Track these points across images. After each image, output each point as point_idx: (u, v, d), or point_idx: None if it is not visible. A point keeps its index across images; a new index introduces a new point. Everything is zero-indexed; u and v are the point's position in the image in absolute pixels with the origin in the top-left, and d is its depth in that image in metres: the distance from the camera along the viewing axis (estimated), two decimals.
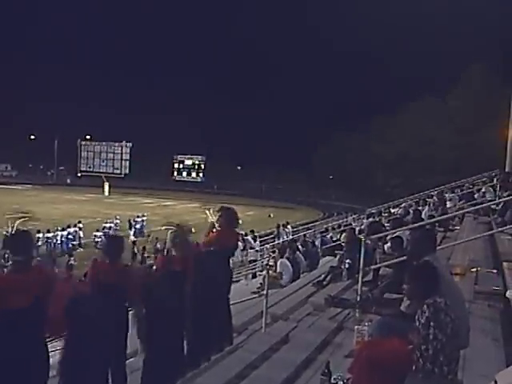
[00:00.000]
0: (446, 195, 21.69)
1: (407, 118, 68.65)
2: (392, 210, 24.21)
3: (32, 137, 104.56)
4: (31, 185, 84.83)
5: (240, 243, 23.93)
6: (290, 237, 26.77)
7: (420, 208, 18.39)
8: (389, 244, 9.50)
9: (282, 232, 30.69)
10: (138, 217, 39.72)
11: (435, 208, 17.72)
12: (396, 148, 68.05)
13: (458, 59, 69.28)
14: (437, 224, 13.07)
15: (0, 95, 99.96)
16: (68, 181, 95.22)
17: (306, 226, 35.10)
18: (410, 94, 70.74)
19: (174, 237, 6.42)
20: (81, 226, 34.13)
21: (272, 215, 52.98)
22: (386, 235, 9.60)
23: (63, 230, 32.20)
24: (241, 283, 16.09)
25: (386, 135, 70.53)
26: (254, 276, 19.05)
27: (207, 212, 7.37)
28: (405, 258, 6.56)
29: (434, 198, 21.21)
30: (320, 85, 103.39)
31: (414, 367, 3.79)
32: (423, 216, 14.95)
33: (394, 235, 8.70)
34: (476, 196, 19.56)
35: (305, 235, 22.90)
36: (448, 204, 18.88)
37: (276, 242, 24.77)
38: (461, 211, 15.23)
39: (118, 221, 37.62)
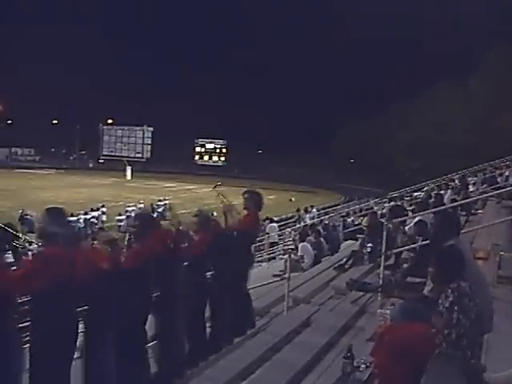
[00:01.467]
0: (469, 179, 21.49)
1: (427, 102, 67.90)
2: (414, 194, 24.05)
3: (54, 121, 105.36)
4: (54, 169, 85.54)
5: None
6: (313, 220, 26.76)
7: (442, 192, 18.25)
8: (410, 227, 9.47)
9: (305, 216, 30.66)
10: (160, 201, 39.90)
11: (457, 192, 17.57)
12: (416, 132, 67.45)
13: (479, 43, 68.33)
14: (459, 208, 12.96)
15: (23, 81, 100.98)
16: (90, 165, 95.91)
17: (327, 210, 35.05)
18: (430, 78, 70.14)
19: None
20: (104, 209, 34.37)
21: (293, 199, 52.95)
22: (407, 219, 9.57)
23: (86, 213, 32.40)
24: (263, 266, 16.11)
25: (405, 119, 69.89)
26: (273, 258, 19.09)
27: (220, 195, 7.33)
28: (428, 241, 6.54)
29: (456, 181, 21.03)
30: (341, 69, 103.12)
31: (436, 351, 3.79)
32: (445, 200, 14.84)
33: (418, 219, 8.66)
34: (499, 180, 19.34)
35: (326, 219, 22.84)
36: (470, 188, 18.71)
37: (297, 226, 24.76)
38: (483, 195, 15.08)
39: (141, 205, 37.78)
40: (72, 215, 30.79)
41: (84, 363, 4.84)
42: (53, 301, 4.34)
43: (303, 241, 13.20)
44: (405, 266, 8.35)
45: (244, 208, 7.11)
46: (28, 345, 4.45)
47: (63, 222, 4.80)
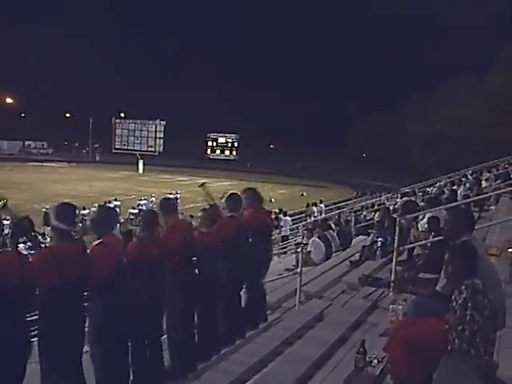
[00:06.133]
0: (482, 175, 21.40)
1: (443, 96, 67.34)
2: (426, 190, 24.00)
3: (67, 115, 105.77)
4: (67, 162, 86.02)
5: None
6: (323, 215, 26.78)
7: (455, 187, 18.19)
8: (422, 222, 9.46)
9: (314, 210, 30.76)
10: (171, 194, 40.05)
11: (470, 188, 17.51)
12: (430, 127, 67.05)
13: (496, 36, 67.75)
14: (472, 204, 12.93)
15: (35, 74, 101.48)
16: (97, 158, 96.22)
17: (339, 205, 35.05)
18: (446, 71, 69.68)
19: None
20: (116, 203, 34.51)
21: (305, 194, 52.99)
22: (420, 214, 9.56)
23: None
24: (274, 260, 16.12)
25: (420, 115, 69.39)
26: (285, 253, 19.10)
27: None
28: (441, 237, 6.53)
29: (469, 177, 20.94)
30: (356, 62, 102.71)
31: (449, 347, 3.80)
32: (458, 196, 14.81)
33: (430, 215, 8.65)
34: None
35: (338, 214, 22.87)
36: (483, 184, 18.63)
37: (308, 221, 24.80)
38: (497, 191, 15.01)
39: (153, 198, 37.98)
40: (84, 208, 30.99)
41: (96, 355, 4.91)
42: (62, 297, 4.37)
43: (314, 235, 13.22)
44: (417, 261, 8.35)
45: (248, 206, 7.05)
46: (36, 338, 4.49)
47: (73, 218, 4.76)
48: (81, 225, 28.17)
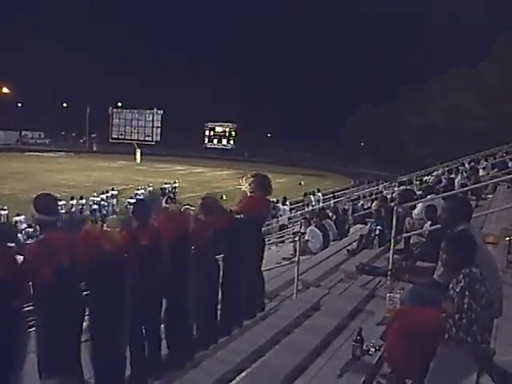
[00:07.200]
0: (479, 164, 21.40)
1: (438, 88, 67.31)
2: (424, 179, 24.00)
3: (64, 105, 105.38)
4: (64, 152, 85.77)
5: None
6: (321, 204, 26.79)
7: (452, 176, 18.19)
8: (415, 211, 9.46)
9: (312, 199, 30.77)
10: (166, 183, 40.05)
11: (468, 176, 17.50)
12: (426, 118, 67.02)
13: (490, 28, 67.59)
14: (469, 192, 12.92)
15: (32, 64, 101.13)
16: (94, 148, 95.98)
17: (336, 194, 35.05)
18: (441, 64, 69.65)
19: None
20: (114, 192, 34.43)
21: (302, 183, 52.93)
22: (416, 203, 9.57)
23: (96, 196, 32.50)
24: (272, 249, 16.12)
25: (416, 105, 69.25)
26: (283, 242, 19.07)
27: (241, 181, 7.23)
28: (438, 226, 6.52)
29: (467, 166, 20.94)
30: (352, 54, 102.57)
31: (446, 335, 3.81)
32: (456, 184, 14.80)
33: (428, 203, 8.63)
34: (510, 165, 19.22)
35: (335, 203, 22.85)
36: (481, 172, 18.63)
37: (306, 210, 24.78)
38: (494, 180, 15.00)
39: (150, 188, 37.93)
40: (82, 198, 30.95)
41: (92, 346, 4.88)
42: (57, 286, 4.35)
43: (311, 224, 13.19)
44: (415, 250, 8.35)
45: (251, 192, 7.04)
46: (33, 329, 4.50)
47: (54, 208, 4.74)
48: (88, 213, 28.14)
